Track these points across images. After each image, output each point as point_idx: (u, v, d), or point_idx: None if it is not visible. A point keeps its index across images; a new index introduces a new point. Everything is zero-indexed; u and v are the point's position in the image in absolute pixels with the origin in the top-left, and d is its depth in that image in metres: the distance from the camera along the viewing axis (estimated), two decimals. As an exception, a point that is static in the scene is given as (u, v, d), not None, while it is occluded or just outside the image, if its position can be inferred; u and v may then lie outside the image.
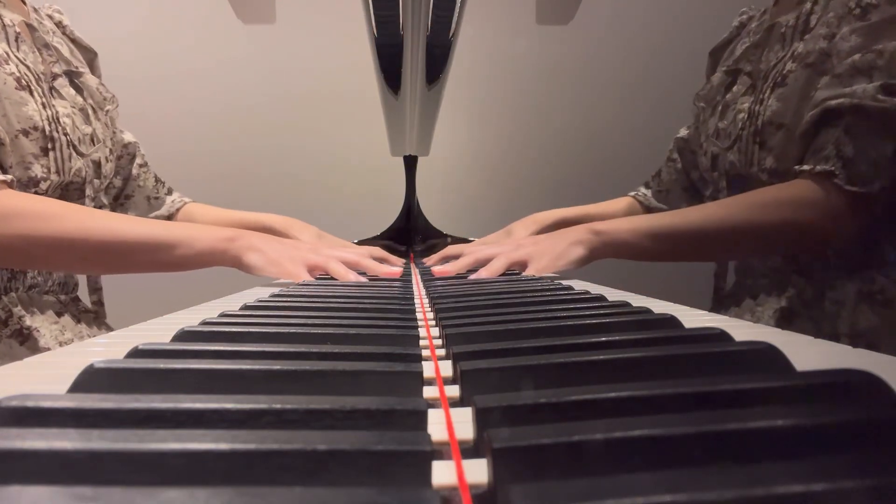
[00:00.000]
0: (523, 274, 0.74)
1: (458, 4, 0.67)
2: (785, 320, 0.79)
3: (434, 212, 1.30)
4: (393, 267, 0.77)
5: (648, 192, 1.13)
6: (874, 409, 0.18)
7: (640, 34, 1.70)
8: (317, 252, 0.76)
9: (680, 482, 0.14)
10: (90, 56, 0.97)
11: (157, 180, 1.08)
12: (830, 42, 0.74)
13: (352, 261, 0.75)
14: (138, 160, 1.05)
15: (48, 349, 0.78)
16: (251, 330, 0.35)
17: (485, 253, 0.77)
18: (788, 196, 0.73)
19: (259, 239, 0.76)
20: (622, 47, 1.71)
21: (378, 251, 0.87)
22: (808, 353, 0.30)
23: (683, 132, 1.08)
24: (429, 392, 0.25)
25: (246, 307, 0.45)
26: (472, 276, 0.72)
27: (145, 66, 1.58)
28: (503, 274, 0.74)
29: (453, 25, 0.70)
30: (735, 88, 0.89)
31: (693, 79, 1.06)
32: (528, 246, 0.76)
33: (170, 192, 1.10)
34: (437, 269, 0.77)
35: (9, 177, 0.71)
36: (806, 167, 0.72)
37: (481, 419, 0.20)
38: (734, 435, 0.17)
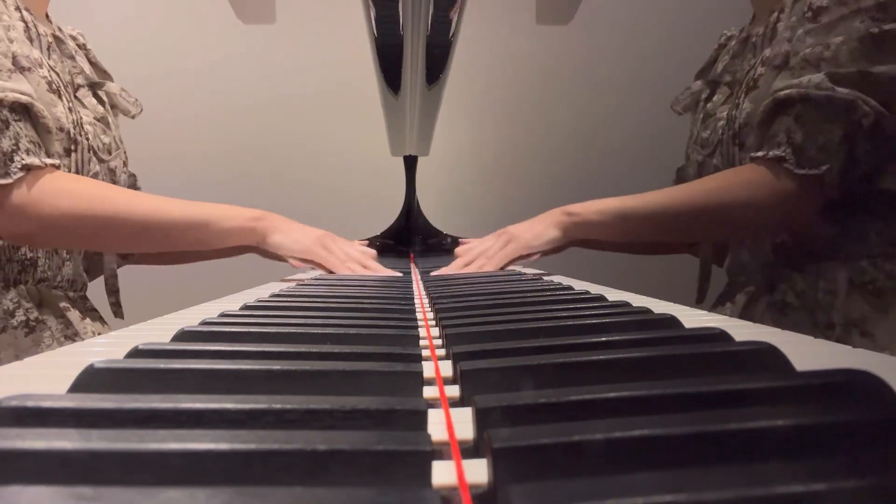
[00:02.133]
0: (497, 258, 0.82)
1: (458, 4, 0.67)
2: (780, 312, 0.82)
3: (434, 212, 1.30)
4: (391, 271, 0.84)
5: None
6: (874, 409, 0.18)
7: (640, 34, 1.70)
8: (335, 241, 0.86)
9: (680, 482, 0.14)
10: (106, 79, 1.00)
11: None
12: (791, 43, 0.79)
13: (360, 261, 0.84)
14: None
15: (52, 342, 0.79)
16: (251, 330, 0.35)
17: (472, 255, 0.86)
18: (744, 179, 0.78)
19: (282, 221, 0.84)
20: (622, 47, 1.70)
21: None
22: (808, 352, 0.30)
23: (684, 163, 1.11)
24: (429, 392, 0.25)
25: (246, 307, 0.45)
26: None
27: (144, 66, 1.58)
28: (504, 273, 0.75)
29: (453, 25, 0.70)
30: (715, 98, 0.94)
31: (692, 79, 1.06)
32: (506, 234, 0.85)
33: None
34: (435, 273, 0.84)
35: (57, 161, 0.76)
36: (760, 153, 0.77)
37: (481, 419, 0.20)
38: (734, 435, 0.17)
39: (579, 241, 0.86)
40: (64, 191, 0.74)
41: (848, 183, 0.74)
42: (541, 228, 0.83)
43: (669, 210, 0.81)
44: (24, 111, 0.74)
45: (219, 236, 0.81)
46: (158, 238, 0.81)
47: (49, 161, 0.74)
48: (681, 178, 1.09)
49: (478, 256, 0.84)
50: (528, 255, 0.84)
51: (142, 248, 0.95)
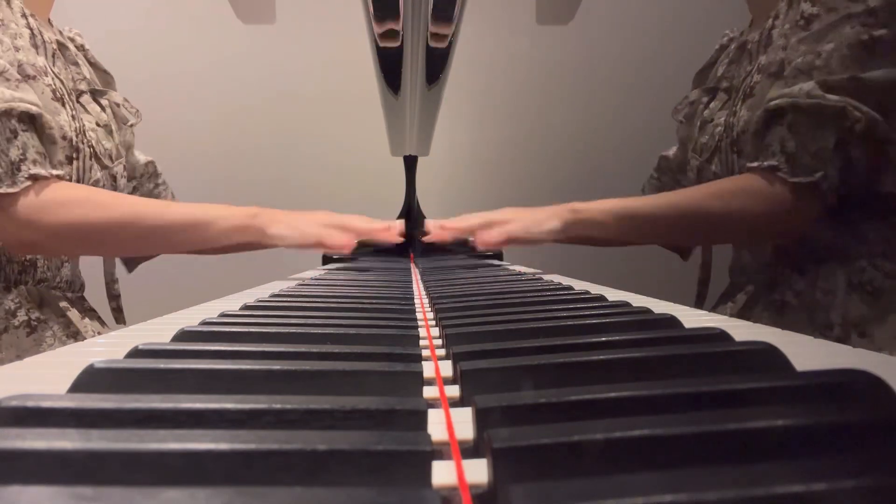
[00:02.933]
0: (495, 232, 0.84)
1: (457, 5, 0.67)
2: (778, 312, 0.83)
3: (434, 212, 1.30)
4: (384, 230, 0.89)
5: None
6: (874, 409, 0.18)
7: (640, 34, 1.70)
8: (333, 217, 0.87)
9: (680, 482, 0.14)
10: (107, 79, 1.01)
11: (173, 196, 1.12)
12: (785, 52, 0.80)
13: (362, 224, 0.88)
14: (159, 179, 1.09)
15: (54, 342, 0.80)
16: (251, 330, 0.35)
17: (471, 221, 0.88)
18: (740, 187, 0.79)
19: (279, 212, 0.85)
20: (622, 47, 1.71)
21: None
22: (808, 352, 0.30)
23: (670, 151, 1.11)
24: (429, 392, 0.25)
25: (246, 307, 0.45)
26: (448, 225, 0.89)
27: (143, 66, 1.58)
28: (504, 272, 0.75)
29: (453, 26, 0.70)
30: (712, 105, 0.95)
31: (691, 79, 1.06)
32: (509, 212, 0.86)
33: None
34: (433, 235, 0.89)
35: (62, 171, 0.77)
36: (755, 164, 0.78)
37: (481, 419, 0.20)
38: (734, 435, 0.17)
39: (577, 237, 0.87)
40: (69, 200, 0.75)
41: (845, 188, 0.74)
42: (542, 217, 0.84)
43: (669, 214, 0.82)
44: (30, 121, 0.75)
45: (219, 235, 0.82)
46: (161, 241, 0.82)
47: (55, 172, 0.75)
48: (661, 165, 1.12)
49: (477, 221, 0.86)
50: (526, 242, 0.84)
51: (146, 252, 0.96)
